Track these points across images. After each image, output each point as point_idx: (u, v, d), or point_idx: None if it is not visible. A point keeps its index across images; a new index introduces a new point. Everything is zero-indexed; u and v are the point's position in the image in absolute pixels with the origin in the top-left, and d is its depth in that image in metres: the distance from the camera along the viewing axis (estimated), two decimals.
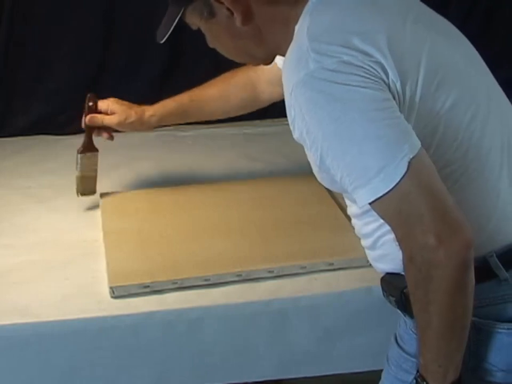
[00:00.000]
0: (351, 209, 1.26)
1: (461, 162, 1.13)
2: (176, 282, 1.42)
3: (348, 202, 1.26)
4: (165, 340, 1.40)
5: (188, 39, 2.14)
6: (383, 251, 1.22)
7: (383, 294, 1.24)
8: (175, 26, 2.14)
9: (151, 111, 1.69)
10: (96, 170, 1.71)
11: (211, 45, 1.29)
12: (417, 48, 1.12)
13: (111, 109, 1.64)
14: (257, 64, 1.34)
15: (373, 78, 1.06)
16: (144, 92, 2.17)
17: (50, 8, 2.05)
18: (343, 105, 1.04)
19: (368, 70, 1.06)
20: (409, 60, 1.10)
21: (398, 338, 1.28)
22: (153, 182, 1.83)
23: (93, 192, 1.71)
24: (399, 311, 1.22)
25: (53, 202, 1.75)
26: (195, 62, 2.18)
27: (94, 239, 1.58)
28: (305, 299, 1.42)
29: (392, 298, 1.20)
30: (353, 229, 1.57)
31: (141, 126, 1.70)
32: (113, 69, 2.15)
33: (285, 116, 2.36)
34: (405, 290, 1.11)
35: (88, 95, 1.65)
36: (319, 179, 1.20)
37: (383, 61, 1.07)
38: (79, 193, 1.70)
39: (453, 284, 1.02)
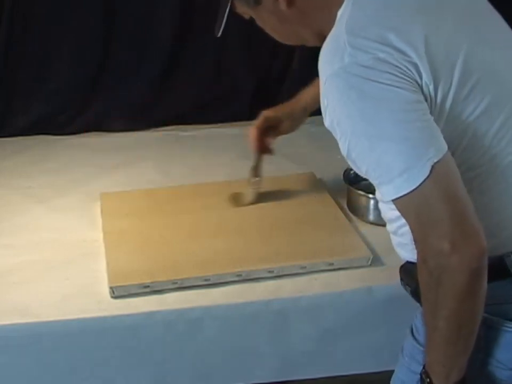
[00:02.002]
0: (377, 193, 1.26)
1: (486, 167, 1.13)
2: (176, 282, 1.42)
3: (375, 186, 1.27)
4: (165, 340, 1.40)
5: (188, 39, 2.15)
6: (403, 240, 1.22)
7: (401, 282, 1.25)
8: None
9: (304, 105, 1.67)
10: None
11: (266, 31, 1.31)
12: (454, 50, 1.11)
13: (275, 121, 1.65)
14: (312, 45, 1.34)
15: (406, 78, 1.06)
16: (144, 92, 2.17)
17: (50, 8, 2.05)
18: (374, 103, 1.05)
19: (402, 69, 1.06)
20: (445, 63, 1.09)
21: (414, 330, 1.27)
22: (153, 182, 1.83)
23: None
24: (415, 301, 1.22)
25: (53, 202, 1.75)
26: (195, 62, 2.18)
27: (94, 239, 1.58)
28: (305, 299, 1.42)
29: (409, 288, 1.21)
30: (355, 228, 1.58)
31: (305, 118, 1.70)
32: (113, 69, 2.15)
33: None
34: None
35: (255, 127, 1.64)
36: (348, 163, 1.20)
37: (418, 62, 1.07)
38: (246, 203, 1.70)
39: (463, 290, 1.03)
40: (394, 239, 1.27)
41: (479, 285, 1.03)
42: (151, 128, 2.17)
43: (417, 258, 1.07)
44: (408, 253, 1.21)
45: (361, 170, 1.11)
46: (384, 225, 1.61)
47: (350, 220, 1.63)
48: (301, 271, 1.46)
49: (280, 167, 1.91)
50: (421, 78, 1.07)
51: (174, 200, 1.71)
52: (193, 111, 2.21)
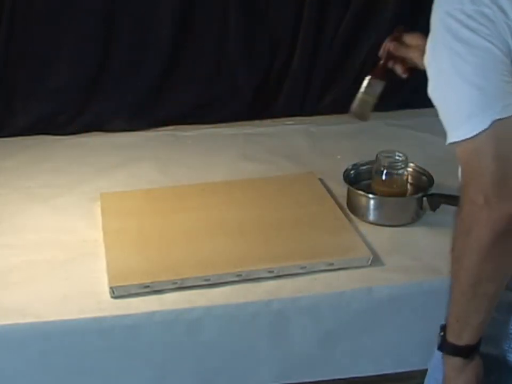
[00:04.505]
0: None
1: None
2: (176, 282, 1.42)
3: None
4: (165, 340, 1.40)
5: (188, 39, 2.15)
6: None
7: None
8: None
9: None
10: (376, 99, 1.61)
11: None
12: None
13: (417, 43, 1.57)
14: None
15: (500, 37, 1.09)
16: (144, 92, 2.17)
17: (50, 8, 2.05)
18: (464, 48, 1.08)
19: (498, 28, 1.09)
20: None
21: None
22: (153, 182, 1.83)
23: (365, 118, 1.64)
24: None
25: (53, 202, 1.75)
26: (195, 62, 2.18)
27: (94, 239, 1.58)
28: (305, 299, 1.42)
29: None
30: (355, 228, 1.57)
31: None
32: (113, 69, 2.15)
33: (285, 116, 2.38)
34: None
35: (397, 28, 1.60)
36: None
37: None
38: (352, 113, 1.63)
39: (486, 247, 1.05)
40: None
41: (503, 247, 1.06)
42: (151, 128, 2.17)
43: (458, 204, 1.10)
44: None
45: (438, 111, 1.13)
46: (384, 225, 1.62)
47: (350, 220, 1.63)
48: (301, 271, 1.46)
49: (280, 167, 1.91)
50: None
51: (174, 200, 1.71)
52: (193, 111, 2.21)
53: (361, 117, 1.63)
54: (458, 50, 1.09)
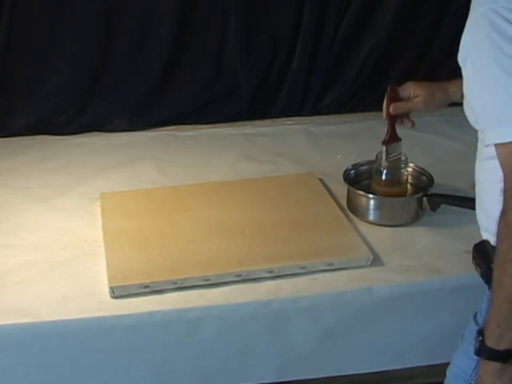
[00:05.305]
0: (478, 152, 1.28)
1: None
2: (176, 282, 1.42)
3: (478, 144, 1.27)
4: (165, 340, 1.40)
5: (188, 38, 2.15)
6: (480, 199, 1.24)
7: (472, 260, 1.25)
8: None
9: (454, 87, 1.59)
10: (400, 159, 1.65)
11: None
12: None
13: (414, 93, 1.60)
14: None
15: None
16: (144, 92, 2.17)
17: (50, 8, 2.05)
18: (510, 47, 1.07)
19: None
20: None
21: (477, 314, 1.27)
22: (153, 182, 1.83)
23: (398, 182, 1.67)
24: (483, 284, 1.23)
25: (53, 202, 1.75)
26: (195, 62, 2.18)
27: (94, 239, 1.58)
28: (305, 299, 1.42)
29: (479, 270, 1.22)
30: (355, 228, 1.57)
31: (445, 102, 1.61)
32: (113, 69, 2.15)
33: (285, 116, 2.38)
34: (491, 265, 1.13)
35: (390, 85, 1.61)
36: (465, 111, 1.22)
37: None
38: (386, 182, 1.65)
39: None
40: (477, 200, 1.27)
41: None
42: (151, 128, 2.17)
43: (502, 208, 1.09)
44: (480, 214, 1.23)
45: (475, 109, 1.13)
46: (384, 225, 1.62)
47: (350, 220, 1.63)
48: (301, 271, 1.46)
49: (280, 167, 1.91)
50: None
51: (174, 200, 1.71)
52: (193, 111, 2.22)
53: (397, 179, 1.67)
54: (504, 51, 1.08)
